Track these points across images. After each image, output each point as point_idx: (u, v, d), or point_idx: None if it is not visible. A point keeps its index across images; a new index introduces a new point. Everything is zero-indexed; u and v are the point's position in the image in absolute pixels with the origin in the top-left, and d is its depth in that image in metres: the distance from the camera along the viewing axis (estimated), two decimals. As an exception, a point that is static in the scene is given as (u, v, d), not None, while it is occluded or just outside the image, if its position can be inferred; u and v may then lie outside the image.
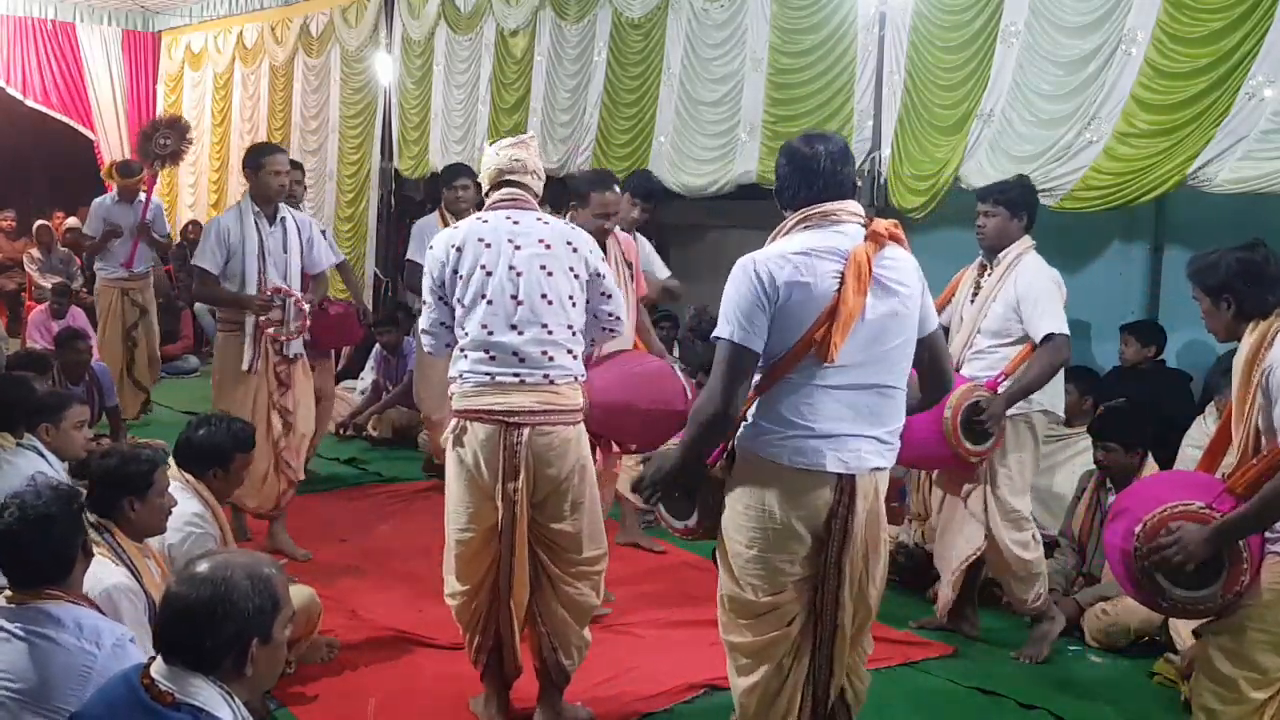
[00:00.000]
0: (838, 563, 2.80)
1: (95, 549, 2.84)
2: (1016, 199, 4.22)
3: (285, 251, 5.19)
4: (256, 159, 5.15)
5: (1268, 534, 2.93)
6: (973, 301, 4.26)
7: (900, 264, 2.83)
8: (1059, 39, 5.41)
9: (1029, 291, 4.08)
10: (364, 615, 4.52)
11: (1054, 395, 4.25)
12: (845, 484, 2.77)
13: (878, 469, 2.82)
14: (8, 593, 2.63)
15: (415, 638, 4.33)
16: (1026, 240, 4.22)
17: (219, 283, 5.13)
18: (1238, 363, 3.01)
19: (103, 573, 2.89)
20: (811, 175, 2.84)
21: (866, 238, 2.78)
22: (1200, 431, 4.75)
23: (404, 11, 9.54)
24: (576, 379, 3.47)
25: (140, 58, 13.50)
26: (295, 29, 11.00)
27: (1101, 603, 4.45)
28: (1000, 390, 4.04)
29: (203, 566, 2.09)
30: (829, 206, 2.82)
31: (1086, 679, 4.22)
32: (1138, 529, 2.98)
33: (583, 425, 3.50)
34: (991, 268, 4.24)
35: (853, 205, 2.86)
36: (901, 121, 6.07)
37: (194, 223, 11.82)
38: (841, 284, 2.71)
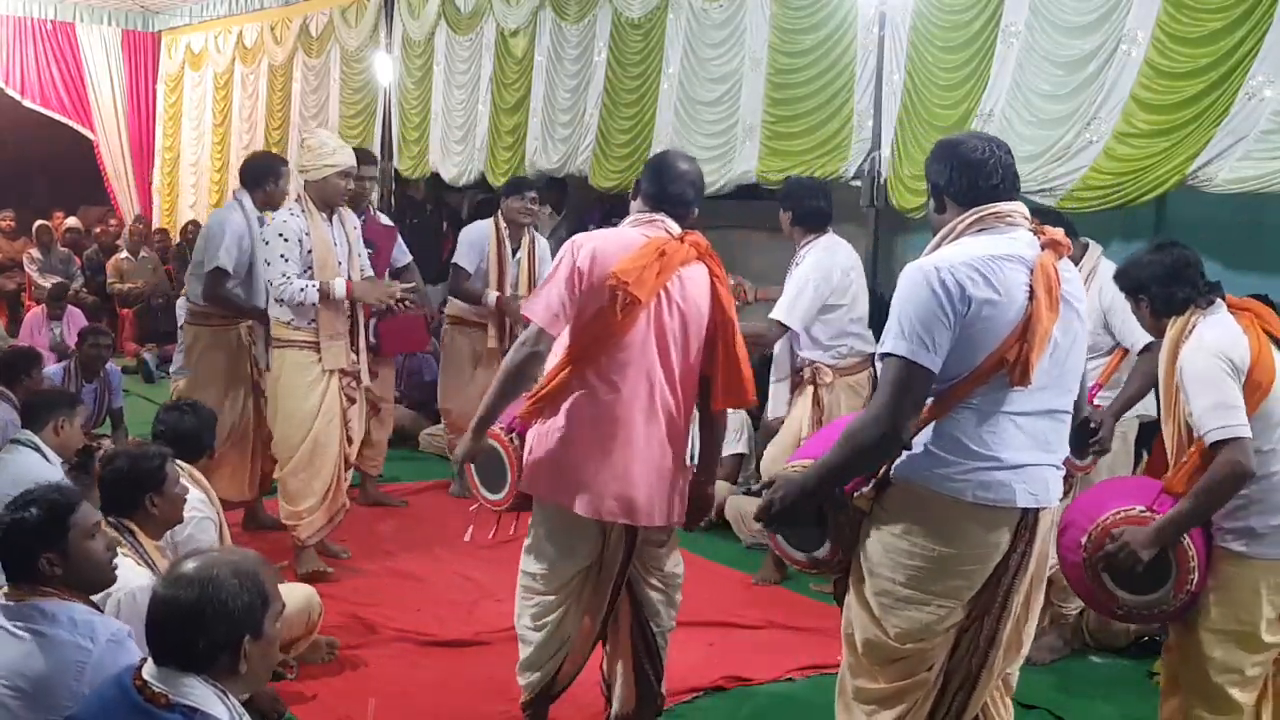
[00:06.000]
0: (1004, 600, 2.52)
1: (119, 550, 2.88)
2: None
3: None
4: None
5: (1214, 528, 2.94)
6: None
7: (1074, 276, 2.58)
8: (1059, 39, 5.40)
9: (1119, 301, 3.97)
10: (364, 615, 4.51)
11: (1148, 400, 4.19)
12: (1030, 518, 2.51)
13: (1060, 499, 2.59)
14: (5, 589, 2.63)
15: (415, 637, 4.33)
16: (1097, 248, 4.27)
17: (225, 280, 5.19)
18: (1162, 359, 3.08)
19: (128, 574, 2.91)
20: (979, 169, 2.52)
21: (1046, 246, 2.49)
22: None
23: (404, 11, 9.53)
24: (275, 319, 4.78)
25: (140, 58, 13.49)
26: (295, 29, 10.99)
27: (1101, 603, 4.45)
28: (1098, 403, 3.99)
29: (189, 567, 2.09)
30: (1003, 207, 2.52)
31: (1086, 679, 4.21)
32: (1083, 539, 3.02)
33: (283, 349, 4.76)
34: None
35: (1023, 207, 2.55)
36: (901, 121, 6.05)
37: (193, 223, 11.79)
38: (1032, 297, 2.42)
